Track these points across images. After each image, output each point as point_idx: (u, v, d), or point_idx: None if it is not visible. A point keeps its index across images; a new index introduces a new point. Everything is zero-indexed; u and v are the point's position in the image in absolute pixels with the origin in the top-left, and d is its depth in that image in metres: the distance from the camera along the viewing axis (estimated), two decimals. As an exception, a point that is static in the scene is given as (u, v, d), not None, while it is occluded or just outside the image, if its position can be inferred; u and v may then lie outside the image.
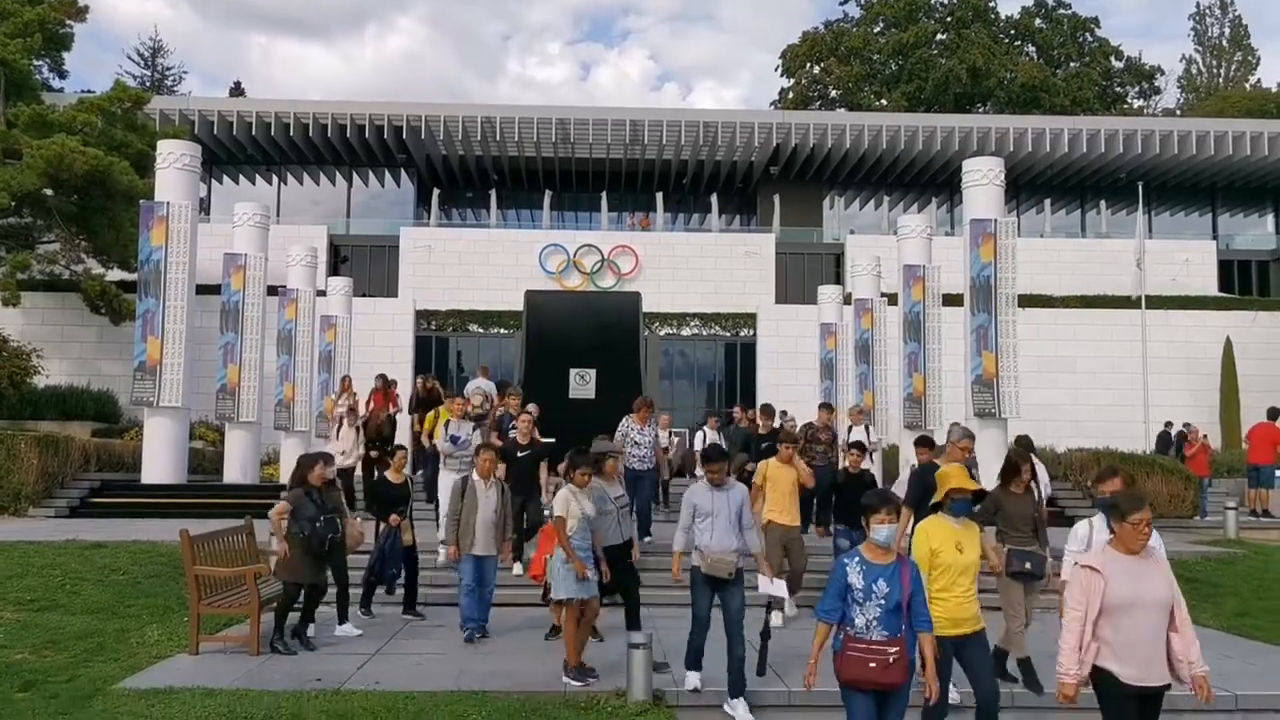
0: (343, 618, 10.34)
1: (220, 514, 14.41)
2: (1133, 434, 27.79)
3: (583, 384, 18.99)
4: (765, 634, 7.74)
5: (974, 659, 6.38)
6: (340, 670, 8.65)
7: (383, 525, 10.91)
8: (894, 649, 5.42)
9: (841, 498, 11.59)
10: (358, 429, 16.43)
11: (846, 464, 11.90)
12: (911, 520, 8.82)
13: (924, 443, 11.01)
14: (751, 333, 34.51)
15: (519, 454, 12.09)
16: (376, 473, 14.57)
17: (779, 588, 7.89)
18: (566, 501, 8.67)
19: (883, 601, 5.45)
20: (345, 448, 15.90)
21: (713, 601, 7.95)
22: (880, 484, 14.60)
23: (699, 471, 10.81)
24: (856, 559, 5.60)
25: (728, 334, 34.91)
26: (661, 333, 34.31)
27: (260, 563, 10.44)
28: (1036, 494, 9.03)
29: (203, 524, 10.76)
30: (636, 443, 13.33)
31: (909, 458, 15.69)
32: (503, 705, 7.64)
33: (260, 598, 9.58)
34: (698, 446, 16.15)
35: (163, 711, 7.27)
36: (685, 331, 34.86)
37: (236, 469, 20.94)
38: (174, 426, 19.34)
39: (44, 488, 17.77)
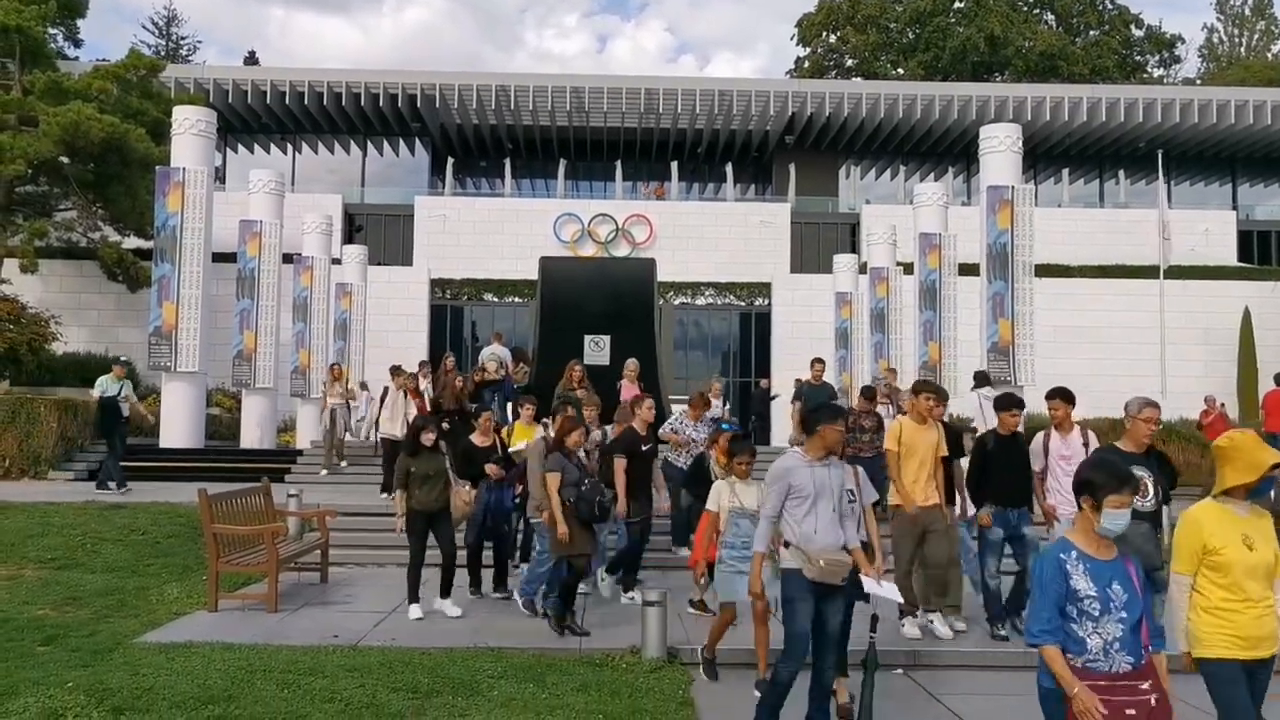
0: (446, 591, 9.47)
1: (237, 478, 14.58)
2: (1149, 404, 27.63)
3: (597, 350, 19.00)
4: (871, 662, 6.08)
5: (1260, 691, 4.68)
6: (357, 628, 8.72)
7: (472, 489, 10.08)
8: (1146, 684, 3.96)
9: (993, 468, 8.62)
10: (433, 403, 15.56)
11: (995, 426, 9.02)
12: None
13: (1012, 403, 8.85)
14: (766, 302, 34.44)
15: (643, 447, 10.09)
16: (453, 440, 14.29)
17: (889, 589, 6.16)
18: (719, 494, 7.78)
19: (1124, 614, 3.98)
20: (394, 420, 14.78)
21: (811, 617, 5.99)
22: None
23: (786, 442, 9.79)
24: (1074, 552, 4.07)
25: (742, 303, 34.84)
26: (676, 302, 34.28)
27: (278, 522, 10.53)
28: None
29: (220, 488, 10.87)
30: (693, 439, 11.50)
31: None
32: (518, 661, 7.71)
33: (279, 556, 9.66)
34: (714, 415, 13.37)
35: (182, 664, 7.36)
36: (700, 301, 34.80)
37: (253, 434, 21.07)
38: (191, 391, 19.47)
39: (64, 451, 17.93)
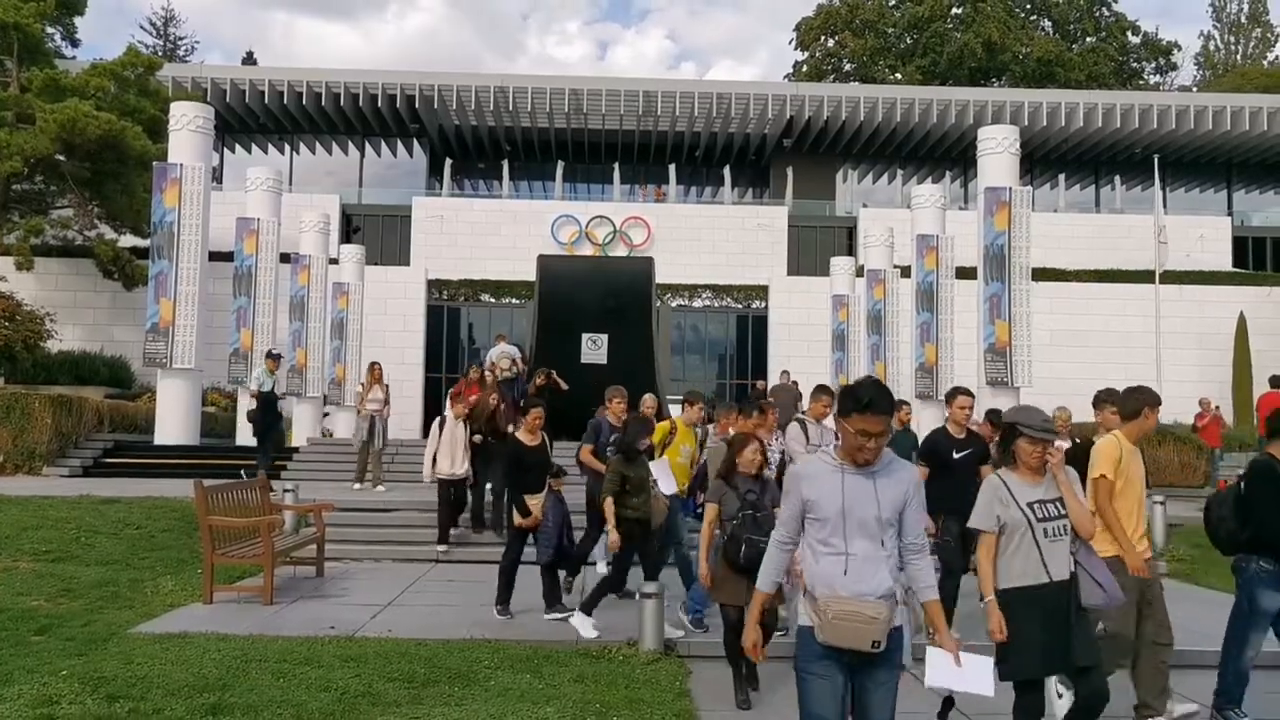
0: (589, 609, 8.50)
1: (233, 475, 14.49)
2: (1145, 408, 27.71)
3: (595, 348, 19.00)
4: None
5: None
6: (354, 620, 8.69)
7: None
8: None
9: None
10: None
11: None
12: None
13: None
14: (763, 304, 34.46)
15: (955, 454, 8.22)
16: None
17: (976, 676, 4.07)
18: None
19: None
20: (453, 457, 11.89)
21: (842, 697, 4.01)
22: None
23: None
24: None
25: (739, 306, 34.85)
26: (673, 304, 34.29)
27: (274, 515, 10.50)
28: None
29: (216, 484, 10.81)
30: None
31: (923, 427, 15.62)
32: (514, 653, 7.68)
33: (275, 549, 9.62)
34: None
35: (177, 654, 7.32)
36: (697, 303, 34.83)
37: (249, 431, 20.97)
38: (186, 388, 19.43)
39: (58, 447, 17.87)
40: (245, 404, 18.60)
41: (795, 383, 22.23)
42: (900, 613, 4.08)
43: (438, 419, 11.98)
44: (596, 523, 9.40)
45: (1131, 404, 6.18)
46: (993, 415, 10.11)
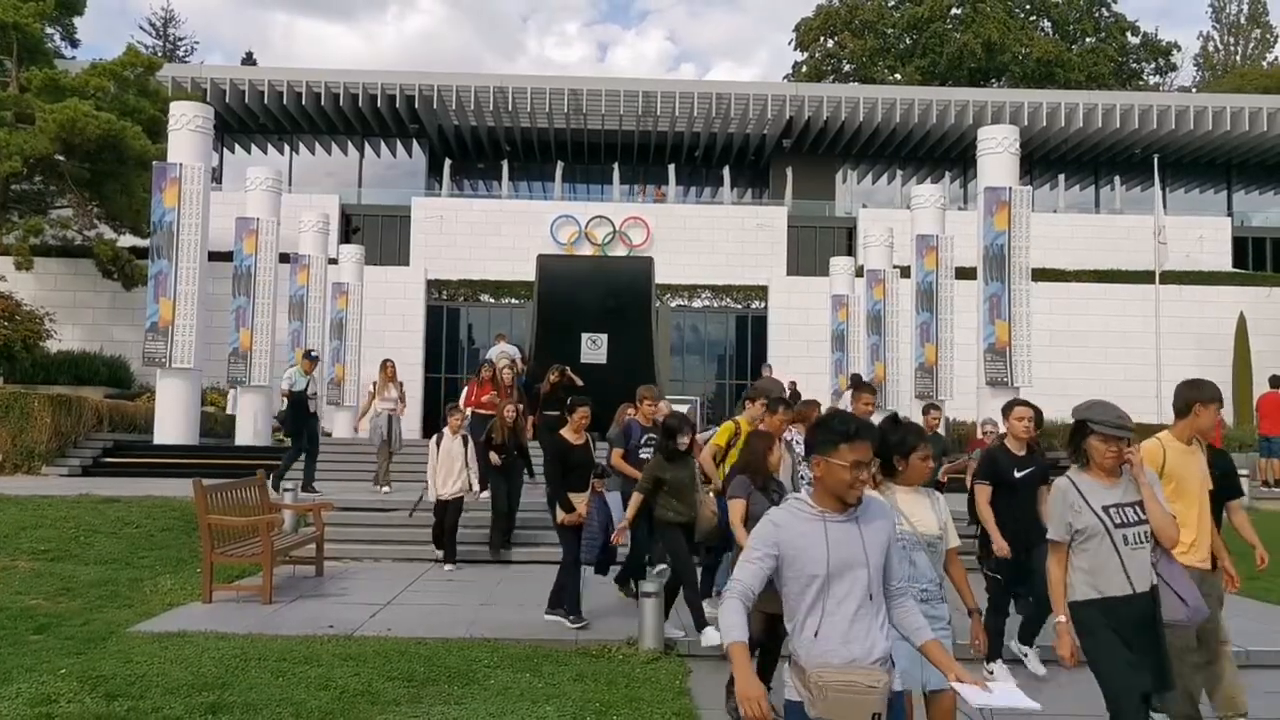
0: (702, 622, 7.94)
1: (232, 475, 14.45)
2: (1145, 409, 27.66)
3: (594, 348, 18.98)
4: None
5: None
6: (353, 619, 8.68)
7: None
8: None
9: None
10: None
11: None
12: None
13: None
14: (763, 305, 34.46)
15: (1017, 473, 7.48)
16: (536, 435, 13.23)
17: (1007, 692, 3.69)
18: None
19: None
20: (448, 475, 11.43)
21: None
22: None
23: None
24: None
25: (739, 306, 34.84)
26: (673, 304, 34.27)
27: (273, 514, 10.49)
28: None
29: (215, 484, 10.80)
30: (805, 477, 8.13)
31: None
32: (514, 652, 7.67)
33: (274, 548, 9.61)
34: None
35: (176, 653, 7.32)
36: (696, 303, 34.81)
37: (248, 432, 20.99)
38: (186, 388, 19.41)
39: (57, 446, 17.84)
40: (272, 406, 17.97)
41: (794, 381, 22.24)
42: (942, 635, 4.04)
43: (435, 436, 11.59)
44: (643, 530, 9.06)
45: (1179, 400, 5.67)
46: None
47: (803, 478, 8.23)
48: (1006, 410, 7.77)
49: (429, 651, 7.56)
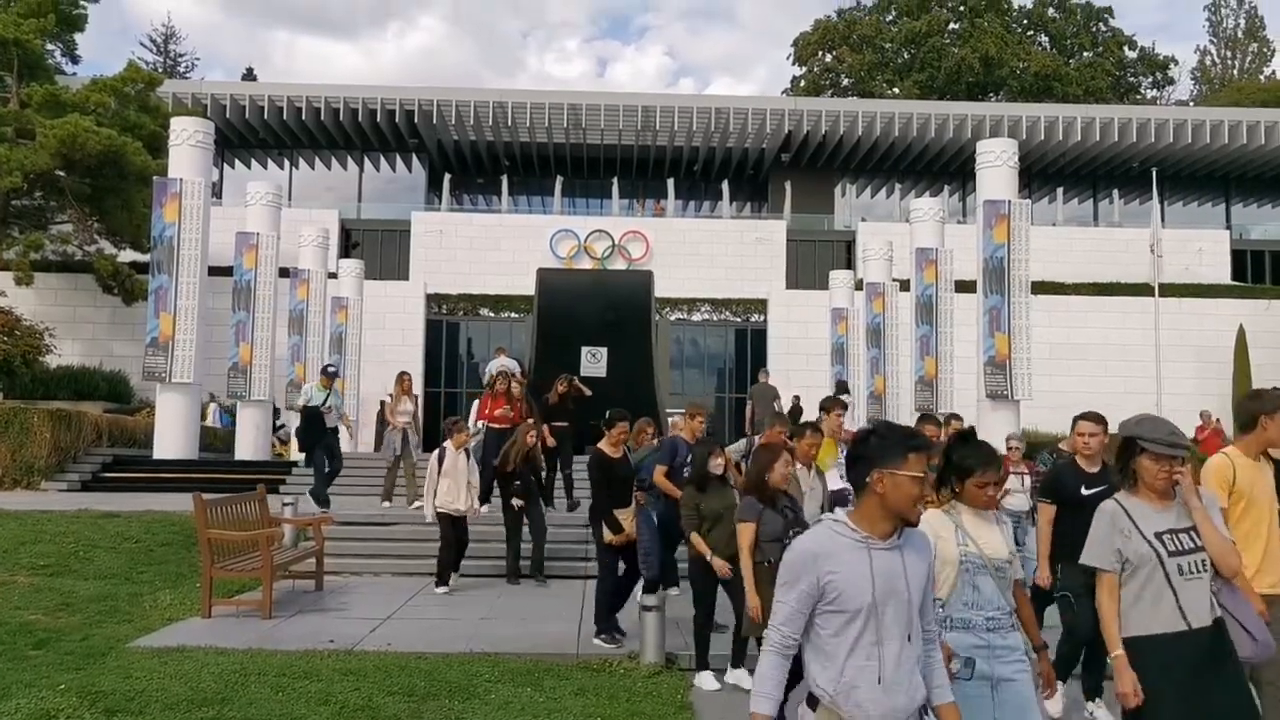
0: (740, 659, 7.38)
1: (232, 489, 14.44)
2: (1144, 421, 27.69)
3: (594, 362, 18.98)
4: None
5: None
6: (353, 633, 8.65)
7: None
8: None
9: None
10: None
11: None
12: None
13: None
14: (762, 318, 34.47)
15: (1085, 490, 6.60)
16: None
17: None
18: (935, 534, 4.02)
19: None
20: (457, 489, 11.01)
21: None
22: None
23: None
24: None
25: (738, 320, 34.86)
26: (672, 318, 34.28)
27: (273, 528, 10.47)
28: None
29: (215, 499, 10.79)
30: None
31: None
32: (515, 666, 7.64)
33: (274, 562, 9.59)
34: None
35: (175, 668, 7.29)
36: (696, 317, 34.82)
37: (248, 446, 20.98)
38: (186, 402, 19.39)
39: (56, 461, 17.79)
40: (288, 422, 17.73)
41: (797, 396, 22.24)
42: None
43: (436, 451, 11.17)
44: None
45: (1244, 414, 5.30)
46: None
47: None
48: (1074, 425, 7.12)
49: (429, 666, 7.53)
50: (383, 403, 15.47)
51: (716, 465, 7.55)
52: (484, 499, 12.42)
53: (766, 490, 6.47)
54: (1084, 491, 6.61)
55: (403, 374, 15.46)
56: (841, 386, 18.63)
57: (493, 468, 11.41)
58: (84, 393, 27.35)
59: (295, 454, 22.53)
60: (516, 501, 11.07)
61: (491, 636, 8.66)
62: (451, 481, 10.88)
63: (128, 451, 19.84)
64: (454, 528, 10.92)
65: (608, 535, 8.48)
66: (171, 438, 19.09)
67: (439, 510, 10.87)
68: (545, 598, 10.45)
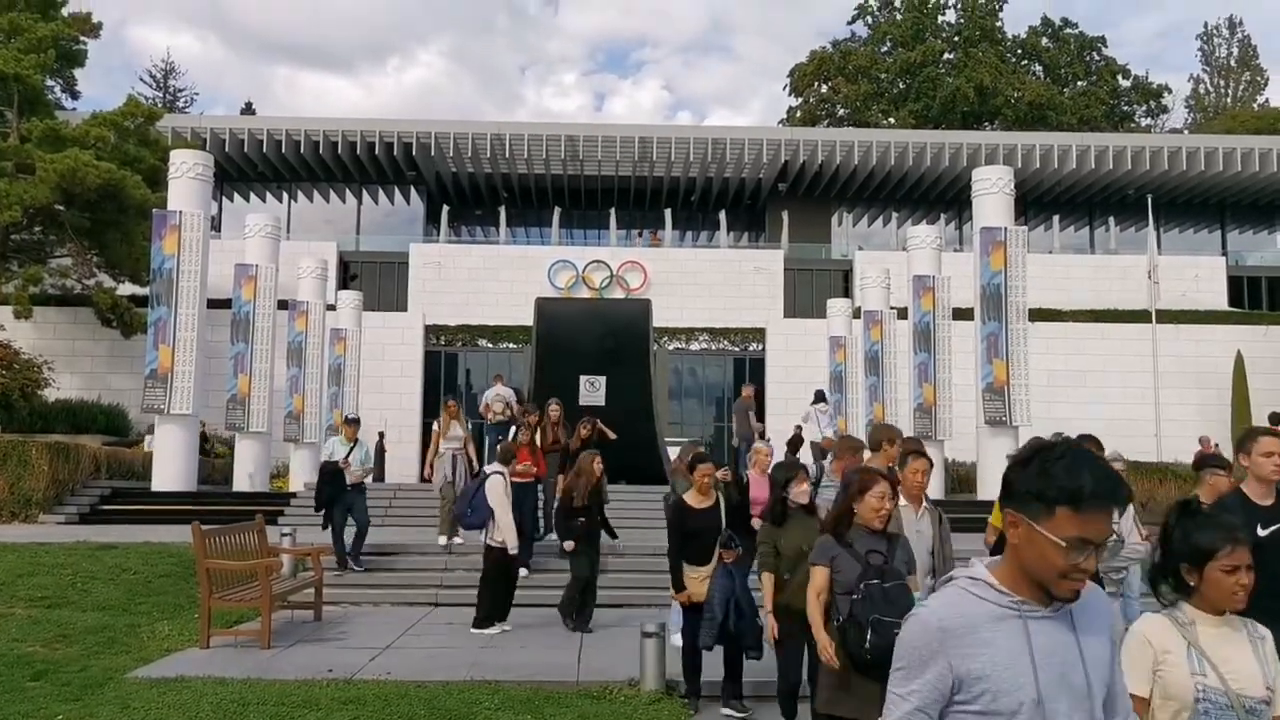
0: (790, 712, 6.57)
1: (230, 521, 14.39)
2: (1144, 448, 27.63)
3: (592, 390, 18.98)
4: None
5: None
6: (352, 663, 8.61)
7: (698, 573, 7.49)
8: None
9: None
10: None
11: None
12: None
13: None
14: (760, 347, 34.51)
15: (1262, 529, 5.03)
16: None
17: None
18: (1149, 646, 2.96)
19: None
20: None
21: None
22: None
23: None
24: None
25: (736, 349, 34.90)
26: (670, 348, 34.29)
27: (272, 558, 10.43)
28: None
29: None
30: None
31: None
32: (515, 694, 7.60)
33: (272, 593, 9.55)
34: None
35: (174, 699, 7.25)
36: (694, 346, 34.86)
37: (246, 478, 20.94)
38: (184, 434, 19.37)
39: (55, 494, 17.74)
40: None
41: (799, 426, 22.18)
42: None
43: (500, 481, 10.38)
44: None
45: None
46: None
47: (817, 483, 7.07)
48: (1243, 442, 5.12)
49: (429, 694, 7.48)
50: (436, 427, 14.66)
51: (800, 493, 6.38)
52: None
53: (849, 526, 5.12)
54: (1261, 531, 4.76)
55: (449, 401, 14.49)
56: (818, 395, 18.83)
57: (562, 514, 10.47)
58: (82, 426, 27.31)
59: (293, 485, 22.50)
60: (568, 544, 10.13)
61: (492, 664, 8.62)
62: (502, 511, 10.19)
63: (126, 484, 19.80)
64: (501, 565, 10.24)
65: (673, 590, 7.61)
66: (170, 469, 19.06)
67: (488, 543, 10.32)
68: (546, 626, 10.39)
